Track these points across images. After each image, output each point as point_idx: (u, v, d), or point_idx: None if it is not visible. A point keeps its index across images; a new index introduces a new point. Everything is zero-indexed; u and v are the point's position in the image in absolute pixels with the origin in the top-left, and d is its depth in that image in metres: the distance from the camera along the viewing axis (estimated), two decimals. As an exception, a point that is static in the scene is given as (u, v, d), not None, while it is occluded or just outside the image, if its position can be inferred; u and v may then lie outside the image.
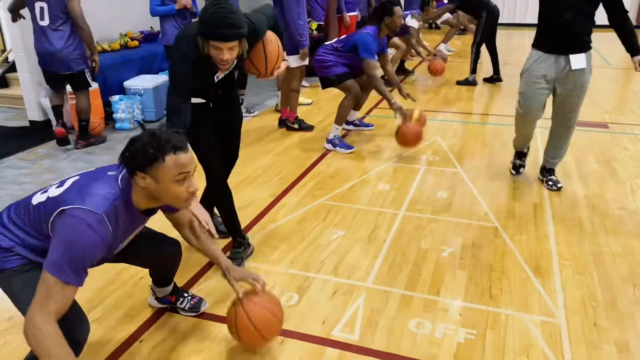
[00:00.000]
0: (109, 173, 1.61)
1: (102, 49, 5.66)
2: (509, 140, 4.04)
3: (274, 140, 4.84)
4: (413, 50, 7.06)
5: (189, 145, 1.58)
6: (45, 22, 4.22)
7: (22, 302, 1.57)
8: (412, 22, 7.02)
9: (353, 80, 4.38)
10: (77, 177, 1.63)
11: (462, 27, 10.24)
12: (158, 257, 2.08)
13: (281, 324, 2.03)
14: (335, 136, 4.49)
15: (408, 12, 7.33)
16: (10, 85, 6.57)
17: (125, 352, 2.13)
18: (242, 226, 2.90)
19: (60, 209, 1.48)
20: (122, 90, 5.51)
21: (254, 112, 5.63)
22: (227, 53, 2.11)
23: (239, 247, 2.79)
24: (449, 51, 9.73)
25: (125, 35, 6.17)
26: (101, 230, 1.47)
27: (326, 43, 4.58)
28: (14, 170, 4.26)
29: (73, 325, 1.55)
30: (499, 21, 6.75)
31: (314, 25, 6.03)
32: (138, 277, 2.64)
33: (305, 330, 2.25)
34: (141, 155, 1.50)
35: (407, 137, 4.17)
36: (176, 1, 4.70)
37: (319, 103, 6.11)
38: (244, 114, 5.48)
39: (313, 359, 2.09)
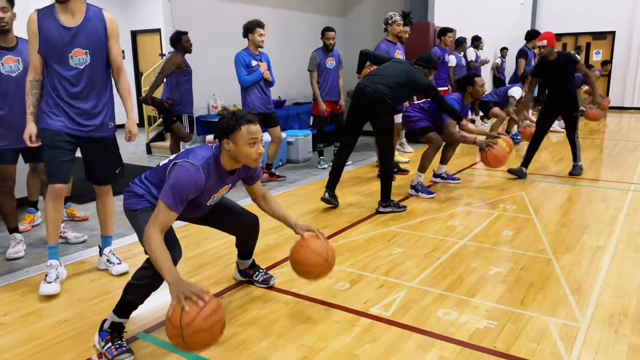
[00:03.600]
0: (208, 144, 2.37)
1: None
2: (595, 198, 4.21)
3: (365, 185, 5.45)
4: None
5: (257, 120, 2.28)
6: None
7: (142, 231, 2.31)
8: (515, 93, 7.39)
9: (435, 133, 4.90)
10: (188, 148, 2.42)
11: (583, 108, 10.24)
12: (241, 225, 2.76)
13: (328, 261, 2.57)
14: (418, 182, 4.97)
15: (513, 85, 7.76)
16: (165, 140, 8.17)
17: (209, 303, 2.79)
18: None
19: (174, 162, 2.25)
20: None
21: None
22: None
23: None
24: (563, 128, 9.72)
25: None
26: (197, 176, 2.20)
27: (415, 102, 5.22)
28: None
29: (170, 248, 2.23)
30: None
31: None
32: (230, 261, 3.33)
33: (348, 306, 2.72)
34: (225, 126, 2.23)
35: (490, 157, 4.75)
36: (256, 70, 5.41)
37: (414, 163, 6.62)
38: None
39: (348, 324, 2.54)
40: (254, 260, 3.01)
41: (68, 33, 2.80)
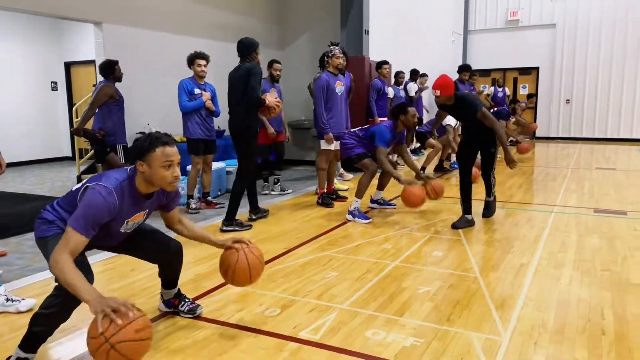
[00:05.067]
0: (124, 168, 2.29)
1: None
2: (521, 220, 4.52)
3: (304, 212, 5.45)
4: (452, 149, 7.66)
5: (174, 142, 2.23)
6: None
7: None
8: (450, 121, 7.70)
9: (371, 159, 5.00)
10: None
11: (513, 139, 10.83)
12: (162, 253, 2.65)
13: (262, 266, 2.65)
14: (355, 208, 5.02)
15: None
16: (97, 171, 7.87)
17: (130, 335, 2.64)
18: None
19: (86, 185, 2.16)
20: (184, 172, 6.49)
21: (288, 191, 6.35)
22: None
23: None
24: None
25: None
26: (109, 200, 2.11)
27: (351, 130, 5.33)
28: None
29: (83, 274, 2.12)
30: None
31: None
32: (155, 292, 3.19)
33: (277, 331, 2.65)
34: (139, 148, 2.17)
35: (409, 197, 4.88)
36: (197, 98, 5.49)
37: (353, 190, 6.70)
38: (279, 192, 6.31)
39: (275, 350, 2.47)
40: (179, 290, 2.90)
41: None
